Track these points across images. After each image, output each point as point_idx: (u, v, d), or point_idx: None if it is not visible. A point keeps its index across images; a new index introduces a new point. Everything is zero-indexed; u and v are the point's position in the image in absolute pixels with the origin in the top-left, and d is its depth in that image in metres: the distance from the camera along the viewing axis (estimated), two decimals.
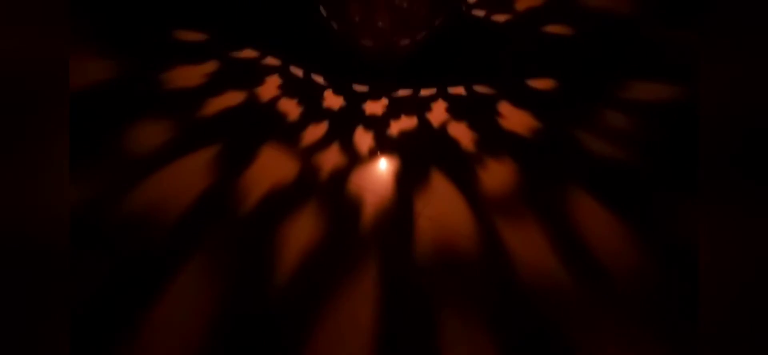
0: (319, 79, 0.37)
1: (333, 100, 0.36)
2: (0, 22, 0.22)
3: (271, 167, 0.32)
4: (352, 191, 0.31)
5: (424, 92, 0.37)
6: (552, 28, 0.42)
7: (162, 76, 0.37)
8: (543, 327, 0.26)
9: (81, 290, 0.27)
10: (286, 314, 0.27)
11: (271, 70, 0.38)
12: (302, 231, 0.29)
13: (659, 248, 0.29)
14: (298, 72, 0.38)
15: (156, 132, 0.33)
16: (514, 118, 0.35)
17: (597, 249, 0.29)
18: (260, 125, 0.34)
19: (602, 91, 0.37)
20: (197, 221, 0.30)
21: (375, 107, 0.36)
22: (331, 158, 0.33)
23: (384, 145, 0.34)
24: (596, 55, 0.40)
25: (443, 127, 0.35)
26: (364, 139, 0.34)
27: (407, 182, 0.32)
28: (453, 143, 0.34)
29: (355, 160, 0.33)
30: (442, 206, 0.30)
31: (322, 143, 0.33)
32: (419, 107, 0.36)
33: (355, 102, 0.36)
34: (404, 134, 0.34)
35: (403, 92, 0.37)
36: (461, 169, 0.32)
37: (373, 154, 0.33)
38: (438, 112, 0.36)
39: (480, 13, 0.43)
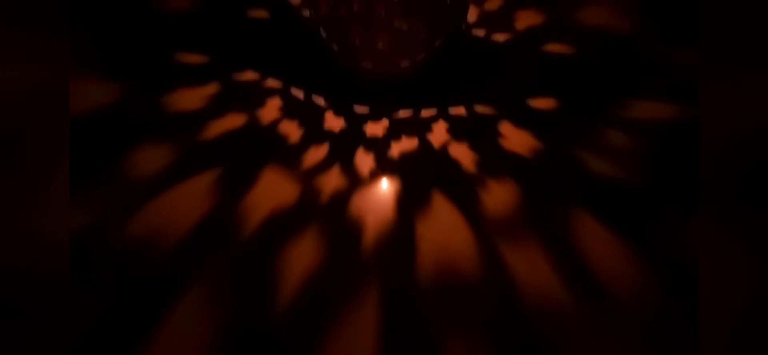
0: (320, 101, 0.38)
1: (334, 122, 0.36)
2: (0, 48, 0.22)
3: (272, 191, 0.32)
4: (353, 213, 0.31)
5: (425, 113, 0.37)
6: (552, 47, 0.42)
7: (163, 99, 0.37)
8: (545, 348, 0.26)
9: (81, 317, 0.26)
10: (289, 338, 0.26)
11: (272, 92, 0.38)
12: (303, 255, 0.29)
13: (661, 268, 0.29)
14: (299, 94, 0.38)
15: (157, 156, 0.33)
16: (515, 138, 0.35)
17: (598, 269, 0.29)
18: (261, 148, 0.34)
19: (603, 110, 0.37)
20: (198, 246, 0.30)
21: (375, 129, 0.36)
22: (331, 181, 0.33)
23: (385, 167, 0.34)
24: (596, 74, 0.40)
25: (444, 148, 0.35)
26: (364, 161, 0.34)
27: (408, 204, 0.31)
28: (454, 164, 0.34)
29: (356, 182, 0.33)
30: (443, 229, 0.30)
31: (323, 166, 0.33)
32: (420, 128, 0.36)
33: (355, 123, 0.36)
34: (405, 156, 0.34)
35: (403, 113, 0.37)
36: (463, 191, 0.32)
37: (374, 176, 0.33)
38: (439, 133, 0.36)
39: (480, 32, 0.43)
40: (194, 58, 0.40)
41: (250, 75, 0.39)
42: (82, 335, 0.26)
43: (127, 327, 0.26)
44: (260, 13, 0.44)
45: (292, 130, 0.36)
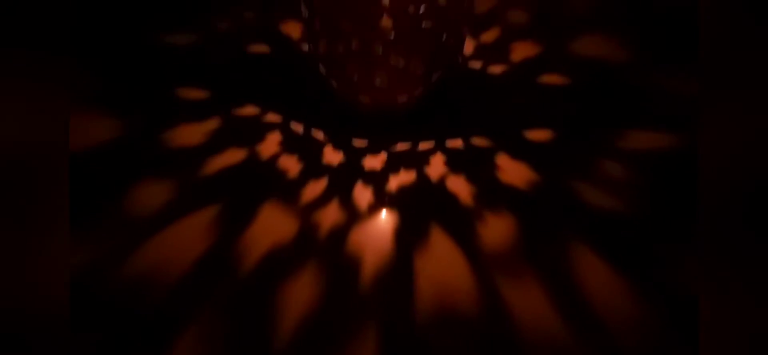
0: (319, 135, 0.38)
1: (332, 156, 0.37)
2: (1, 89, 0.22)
3: (271, 226, 0.32)
4: (351, 249, 0.31)
5: (423, 146, 0.37)
6: (548, 78, 0.42)
7: (163, 135, 0.38)
8: None
9: None
10: None
11: (271, 126, 0.38)
12: (302, 291, 0.29)
13: (659, 302, 0.29)
14: (298, 128, 0.38)
15: (157, 192, 0.34)
16: (512, 171, 0.35)
17: (596, 303, 0.29)
18: (260, 183, 0.35)
19: (599, 141, 0.37)
20: (198, 284, 0.30)
21: (374, 162, 0.36)
22: (330, 215, 0.33)
23: (383, 201, 0.34)
24: (592, 104, 0.40)
25: (442, 181, 0.35)
26: (363, 195, 0.34)
27: (407, 238, 0.32)
28: (452, 198, 0.34)
29: (354, 217, 0.33)
30: (441, 263, 0.30)
31: (322, 200, 0.34)
32: (418, 161, 0.36)
33: (354, 157, 0.37)
34: (403, 189, 0.35)
35: (401, 146, 0.37)
36: (460, 225, 0.32)
37: (373, 210, 0.33)
38: (436, 166, 0.36)
39: (476, 64, 0.43)
40: (195, 94, 0.41)
41: (250, 110, 0.40)
42: None
43: None
44: (261, 48, 0.45)
45: (291, 165, 0.36)
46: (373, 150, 0.37)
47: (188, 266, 0.30)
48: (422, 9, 0.32)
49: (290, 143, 0.37)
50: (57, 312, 0.20)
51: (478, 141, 0.38)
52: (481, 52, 0.44)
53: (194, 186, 0.34)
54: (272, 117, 0.39)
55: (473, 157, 0.36)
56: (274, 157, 0.36)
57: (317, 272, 0.30)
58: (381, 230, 0.32)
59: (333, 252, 0.31)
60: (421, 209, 0.33)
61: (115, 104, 0.40)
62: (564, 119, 0.39)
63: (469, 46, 0.44)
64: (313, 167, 0.36)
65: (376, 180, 0.35)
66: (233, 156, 0.36)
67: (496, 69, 0.43)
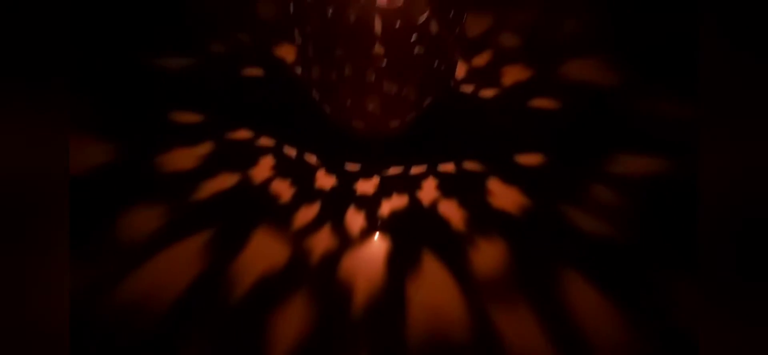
0: (312, 159, 0.38)
1: (325, 180, 0.37)
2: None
3: (263, 252, 0.32)
4: (343, 275, 0.31)
5: (415, 170, 0.38)
6: (538, 102, 0.43)
7: (157, 159, 0.38)
8: None
9: None
10: None
11: (264, 150, 0.39)
12: (294, 318, 0.29)
13: (652, 330, 0.29)
14: (291, 152, 0.39)
15: (150, 217, 0.34)
16: (503, 196, 0.36)
17: (589, 331, 0.29)
18: (253, 208, 0.35)
19: (590, 165, 0.38)
20: (190, 310, 0.30)
21: (366, 186, 0.37)
22: (322, 241, 0.33)
23: (375, 226, 0.34)
24: (583, 129, 0.41)
25: (434, 205, 0.35)
26: (355, 219, 0.34)
27: (399, 264, 0.32)
28: (443, 223, 0.34)
29: (346, 242, 0.33)
30: (433, 290, 0.30)
31: (314, 225, 0.34)
32: (410, 185, 0.37)
33: (346, 181, 0.37)
34: (395, 214, 0.35)
35: (393, 170, 0.38)
36: (452, 251, 0.32)
37: (365, 235, 0.33)
38: (428, 190, 0.36)
39: (468, 88, 0.44)
40: (189, 117, 0.41)
41: (243, 133, 0.40)
42: None
43: None
44: (255, 71, 0.45)
45: (283, 189, 0.36)
46: (366, 174, 0.37)
47: (180, 292, 0.30)
48: (414, 37, 0.32)
49: (283, 167, 0.38)
50: (57, 339, 0.20)
51: (470, 165, 0.38)
52: (472, 75, 0.45)
53: (187, 211, 0.34)
54: (265, 141, 0.39)
55: (465, 182, 0.37)
56: (267, 182, 0.36)
57: (309, 298, 0.30)
58: (373, 255, 0.32)
59: (325, 278, 0.31)
60: (413, 234, 0.34)
61: (108, 128, 0.40)
62: (555, 143, 0.39)
63: (460, 70, 0.45)
64: (306, 192, 0.36)
65: (369, 205, 0.35)
66: (226, 180, 0.36)
67: (488, 93, 0.43)
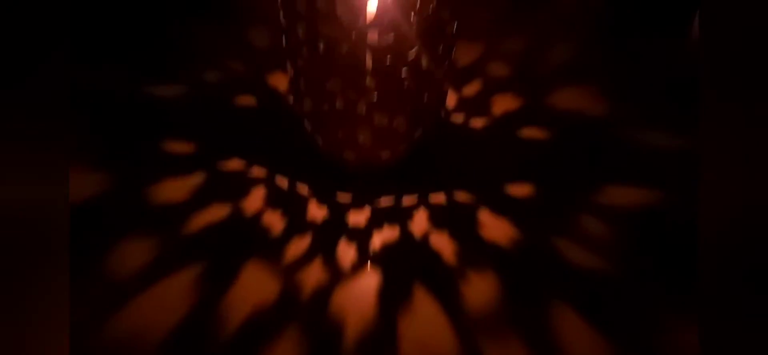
0: (304, 190, 0.38)
1: (316, 212, 0.37)
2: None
3: (254, 287, 0.32)
4: (334, 310, 0.31)
5: (406, 201, 0.38)
6: (529, 132, 0.43)
7: (148, 190, 0.38)
8: None
9: None
10: None
11: (256, 181, 0.39)
12: None
13: None
14: (283, 182, 0.39)
15: (140, 251, 0.34)
16: (494, 228, 0.36)
17: None
18: (244, 241, 0.35)
19: (579, 197, 0.38)
20: (180, 348, 0.29)
21: (358, 218, 0.37)
22: (313, 275, 0.33)
23: (367, 259, 0.34)
24: (574, 159, 0.41)
25: (425, 237, 0.35)
26: (346, 252, 0.34)
27: (390, 299, 0.32)
28: (435, 256, 0.34)
29: (337, 276, 0.33)
30: (424, 325, 0.30)
31: (305, 259, 0.34)
32: (401, 217, 0.37)
33: (338, 213, 0.37)
34: (387, 247, 0.35)
35: (385, 201, 0.38)
36: (443, 284, 0.33)
37: (356, 269, 0.33)
38: (419, 222, 0.36)
39: (458, 117, 0.44)
40: (181, 147, 0.41)
41: (236, 164, 0.40)
42: None
43: None
44: (248, 100, 0.45)
45: (275, 221, 0.36)
46: (357, 205, 0.37)
47: (171, 328, 0.30)
48: (404, 71, 0.33)
49: (275, 198, 0.38)
50: None
51: (461, 196, 0.38)
52: (463, 105, 0.45)
53: (177, 244, 0.34)
54: (257, 171, 0.39)
55: (456, 213, 0.37)
56: (259, 214, 0.36)
57: (300, 334, 0.30)
58: (364, 290, 0.32)
59: (316, 314, 0.31)
60: (404, 267, 0.34)
61: (99, 158, 0.40)
62: (545, 174, 0.40)
63: (451, 100, 0.45)
64: (297, 224, 0.36)
65: (360, 237, 0.35)
66: (217, 212, 0.36)
67: (478, 122, 0.44)
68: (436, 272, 0.33)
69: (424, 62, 0.34)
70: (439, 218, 0.37)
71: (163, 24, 0.54)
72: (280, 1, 0.33)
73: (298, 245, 0.35)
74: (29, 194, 0.22)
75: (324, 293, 0.32)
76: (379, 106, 0.34)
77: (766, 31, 0.23)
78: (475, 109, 0.45)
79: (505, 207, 0.37)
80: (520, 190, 0.39)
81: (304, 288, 0.32)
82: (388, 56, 0.32)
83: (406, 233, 0.36)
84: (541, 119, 0.44)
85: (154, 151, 0.41)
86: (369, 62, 0.32)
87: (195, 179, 0.39)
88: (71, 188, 0.37)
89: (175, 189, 0.38)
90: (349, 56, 0.32)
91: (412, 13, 0.30)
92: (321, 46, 0.32)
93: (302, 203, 0.37)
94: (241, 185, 0.38)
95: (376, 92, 0.33)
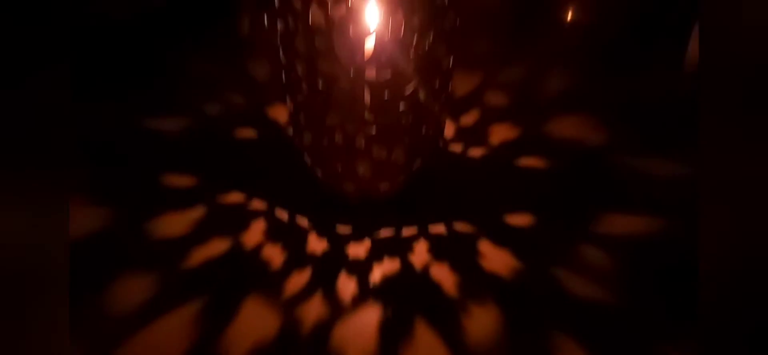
0: (304, 222, 0.38)
1: (316, 244, 0.37)
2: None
3: (254, 323, 0.32)
4: (335, 345, 0.31)
5: (406, 232, 0.38)
6: (526, 161, 0.44)
7: (148, 224, 0.38)
8: None
9: None
10: None
11: (256, 214, 0.39)
12: None
13: None
14: (283, 215, 0.39)
15: (141, 286, 0.34)
16: (494, 258, 0.36)
17: None
18: (244, 275, 0.35)
19: (578, 226, 0.38)
20: None
21: (358, 250, 0.37)
22: (313, 309, 0.33)
23: (367, 292, 0.34)
24: (573, 188, 0.41)
25: (425, 269, 0.35)
26: (347, 286, 0.34)
27: (391, 333, 0.32)
28: (435, 287, 0.34)
29: (338, 310, 0.33)
30: None
31: (305, 293, 0.34)
32: (401, 248, 0.37)
33: (338, 245, 0.37)
34: (387, 280, 0.35)
35: (385, 232, 0.38)
36: (444, 317, 0.32)
37: (357, 302, 0.33)
38: (420, 253, 0.36)
39: (457, 147, 0.45)
40: (181, 181, 0.41)
41: (236, 197, 0.40)
42: None
43: None
44: (248, 133, 0.46)
45: (275, 255, 0.36)
46: (357, 237, 0.38)
47: None
48: (402, 106, 0.33)
49: (275, 232, 0.38)
50: None
51: (461, 226, 0.38)
52: (461, 134, 0.46)
53: (177, 279, 0.34)
54: (257, 204, 0.40)
55: (456, 244, 0.37)
56: (258, 247, 0.37)
57: None
58: (365, 324, 0.32)
59: (317, 350, 0.31)
60: (405, 299, 0.33)
61: (99, 192, 0.40)
62: (545, 203, 0.40)
63: (449, 129, 0.46)
64: (297, 257, 0.36)
65: (360, 269, 0.35)
66: (217, 246, 0.36)
67: (476, 152, 0.44)
68: (437, 303, 0.33)
69: (421, 96, 0.34)
70: (439, 249, 0.37)
71: (163, 57, 0.55)
72: (279, 40, 0.33)
73: (299, 279, 0.35)
74: (29, 228, 0.22)
75: (325, 328, 0.32)
76: (378, 139, 0.35)
77: (765, 58, 0.23)
78: (474, 139, 0.45)
79: (505, 237, 0.37)
80: (519, 219, 0.39)
81: (305, 323, 0.32)
82: (386, 91, 0.32)
83: (406, 265, 0.36)
84: (540, 148, 0.45)
85: (155, 185, 0.41)
86: (367, 98, 0.32)
87: (195, 213, 0.39)
88: (71, 223, 0.37)
89: (175, 223, 0.38)
90: (348, 92, 0.32)
91: (410, 50, 0.31)
92: (320, 82, 0.33)
93: (302, 235, 0.37)
94: (241, 218, 0.38)
95: (374, 126, 0.34)
